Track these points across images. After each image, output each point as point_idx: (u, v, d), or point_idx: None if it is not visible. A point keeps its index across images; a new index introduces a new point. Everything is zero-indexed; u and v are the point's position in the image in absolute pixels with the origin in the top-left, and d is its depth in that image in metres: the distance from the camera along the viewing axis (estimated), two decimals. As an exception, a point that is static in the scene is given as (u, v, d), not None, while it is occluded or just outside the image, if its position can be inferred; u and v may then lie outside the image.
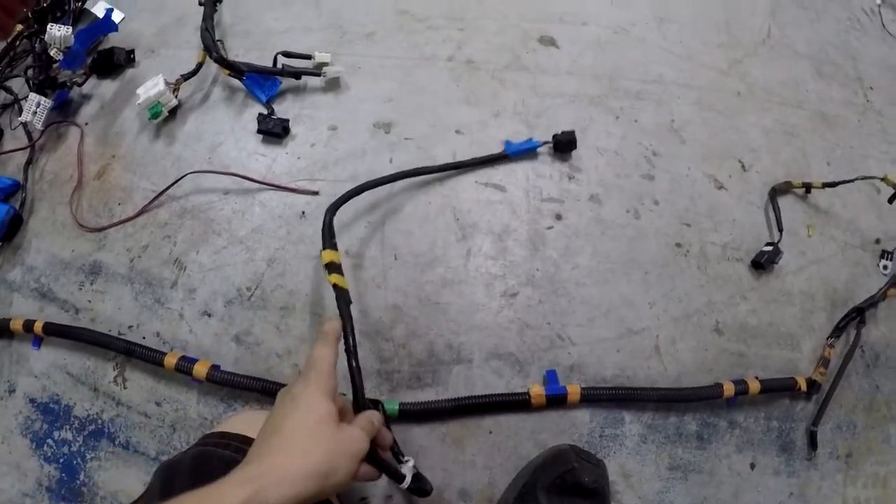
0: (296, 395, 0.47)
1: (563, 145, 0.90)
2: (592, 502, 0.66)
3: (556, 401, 0.74)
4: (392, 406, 0.72)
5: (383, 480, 0.71)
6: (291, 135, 0.93)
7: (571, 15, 1.06)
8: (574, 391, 0.74)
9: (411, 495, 0.70)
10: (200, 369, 0.74)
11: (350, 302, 0.61)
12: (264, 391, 0.73)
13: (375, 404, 0.71)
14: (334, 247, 0.65)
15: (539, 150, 0.91)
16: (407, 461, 0.61)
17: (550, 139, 0.90)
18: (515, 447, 0.74)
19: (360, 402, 0.54)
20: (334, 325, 0.56)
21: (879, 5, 1.30)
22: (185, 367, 0.74)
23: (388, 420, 0.69)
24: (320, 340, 0.53)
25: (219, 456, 0.53)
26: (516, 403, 0.74)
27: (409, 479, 0.58)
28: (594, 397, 0.75)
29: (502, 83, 0.97)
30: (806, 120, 1.04)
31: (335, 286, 0.62)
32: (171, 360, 0.75)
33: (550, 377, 0.76)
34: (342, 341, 0.56)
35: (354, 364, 0.55)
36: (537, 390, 0.74)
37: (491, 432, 0.74)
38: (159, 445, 0.76)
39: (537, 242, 0.85)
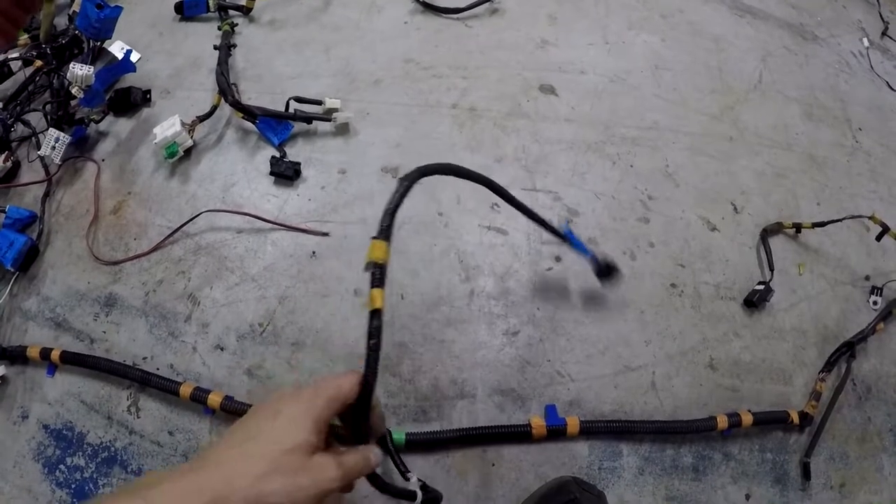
0: (279, 410, 0.43)
1: (606, 272, 0.89)
2: (593, 532, 0.72)
3: (556, 432, 0.81)
4: (399, 436, 0.78)
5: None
6: (302, 177, 1.01)
7: (570, 64, 1.16)
8: (573, 423, 0.81)
9: None
10: (214, 399, 0.81)
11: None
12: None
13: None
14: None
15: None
16: (410, 476, 0.63)
17: (595, 260, 0.88)
18: (518, 479, 0.80)
19: (361, 434, 0.49)
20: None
21: (868, 48, 1.41)
22: (199, 396, 0.81)
23: (396, 449, 0.75)
24: (349, 371, 0.48)
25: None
26: (518, 434, 0.81)
27: (420, 495, 0.59)
28: (592, 429, 0.82)
29: (503, 130, 1.06)
30: (796, 162, 1.13)
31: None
32: (186, 390, 0.82)
33: (550, 411, 0.83)
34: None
35: (368, 387, 0.47)
36: (538, 422, 0.81)
37: (494, 465, 0.80)
38: (167, 478, 0.82)
39: (538, 283, 0.92)
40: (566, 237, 0.87)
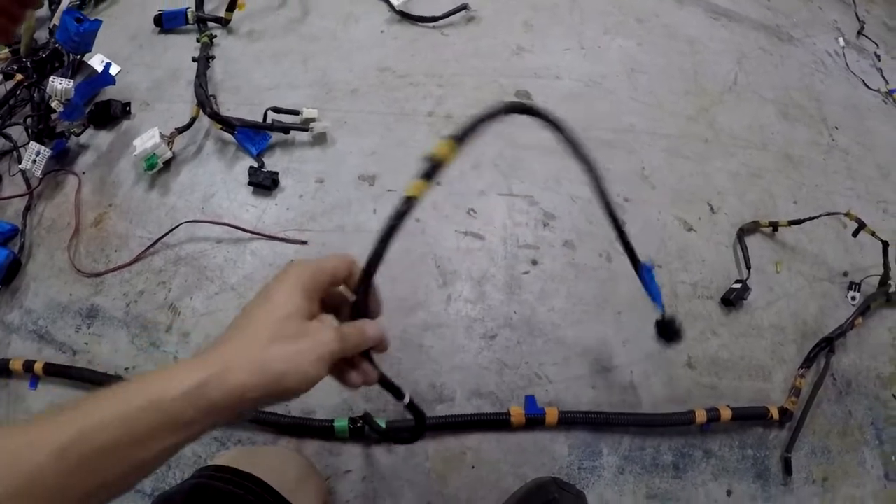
0: (269, 287, 0.44)
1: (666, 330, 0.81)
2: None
3: (535, 421, 0.82)
4: (381, 423, 0.79)
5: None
6: (280, 187, 1.02)
7: (545, 70, 1.18)
8: (552, 413, 0.82)
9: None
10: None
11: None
12: (256, 421, 0.82)
13: (363, 416, 0.79)
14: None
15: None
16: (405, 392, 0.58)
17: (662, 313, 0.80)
18: (497, 481, 0.81)
19: (360, 308, 0.48)
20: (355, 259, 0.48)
21: (843, 47, 1.43)
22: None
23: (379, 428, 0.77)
24: (338, 253, 0.48)
25: (215, 488, 0.58)
26: (498, 423, 0.83)
27: (408, 397, 0.56)
28: (571, 420, 0.83)
29: (480, 136, 1.07)
30: (772, 161, 1.15)
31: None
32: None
33: (529, 401, 0.85)
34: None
35: (375, 263, 0.46)
36: (517, 410, 0.82)
37: (473, 467, 0.82)
38: (154, 482, 0.82)
39: (514, 287, 0.94)
40: (642, 273, 0.76)
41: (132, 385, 0.38)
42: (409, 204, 0.46)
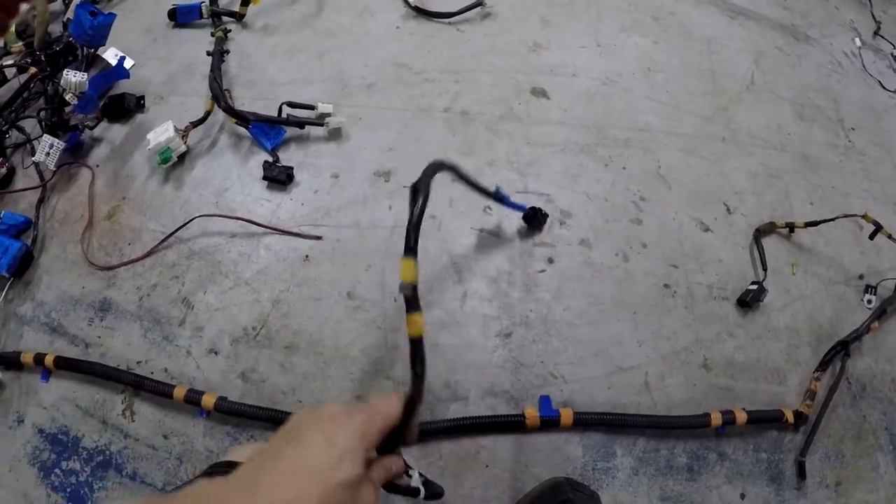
0: (333, 439, 0.43)
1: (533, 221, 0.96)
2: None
3: (550, 423, 0.82)
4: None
5: None
6: (295, 182, 1.02)
7: (562, 67, 1.18)
8: (567, 414, 0.82)
9: None
10: (209, 400, 0.81)
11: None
12: (271, 420, 0.81)
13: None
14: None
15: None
16: (412, 474, 0.60)
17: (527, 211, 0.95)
18: (512, 480, 0.81)
19: (393, 442, 0.50)
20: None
21: (860, 48, 1.42)
22: (193, 398, 0.82)
23: None
24: (397, 395, 0.49)
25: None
26: (512, 425, 0.82)
27: (423, 491, 0.59)
28: (586, 421, 0.83)
29: (496, 133, 1.08)
30: (789, 162, 1.14)
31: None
32: (180, 392, 0.83)
33: (544, 402, 0.84)
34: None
35: (413, 410, 0.48)
36: (532, 412, 0.81)
37: (488, 466, 0.81)
38: (166, 477, 0.82)
39: (530, 285, 0.93)
40: (497, 195, 0.87)
41: None
42: (420, 344, 0.47)
